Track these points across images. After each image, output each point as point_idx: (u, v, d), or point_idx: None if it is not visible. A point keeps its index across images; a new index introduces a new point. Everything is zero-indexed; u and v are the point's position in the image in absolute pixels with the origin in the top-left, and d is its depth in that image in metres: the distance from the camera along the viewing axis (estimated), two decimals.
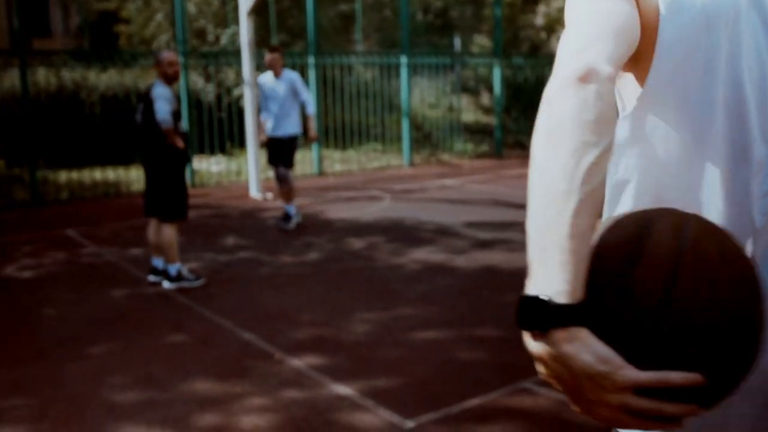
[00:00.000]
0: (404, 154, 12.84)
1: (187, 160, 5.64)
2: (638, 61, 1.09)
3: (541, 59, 15.87)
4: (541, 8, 16.93)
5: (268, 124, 7.47)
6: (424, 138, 13.89)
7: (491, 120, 15.42)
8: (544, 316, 0.90)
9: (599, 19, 1.02)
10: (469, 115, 16.39)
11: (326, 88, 12.29)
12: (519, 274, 5.61)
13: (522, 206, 8.43)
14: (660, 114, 1.10)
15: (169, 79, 5.41)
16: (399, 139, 13.20)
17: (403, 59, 12.46)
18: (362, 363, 3.98)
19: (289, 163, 7.49)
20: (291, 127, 7.46)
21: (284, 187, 7.50)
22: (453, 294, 5.19)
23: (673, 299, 0.90)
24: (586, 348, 0.88)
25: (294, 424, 3.29)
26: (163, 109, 5.29)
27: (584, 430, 3.21)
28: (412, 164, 12.74)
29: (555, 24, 17.01)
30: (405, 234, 7.19)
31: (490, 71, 14.15)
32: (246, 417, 3.38)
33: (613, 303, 0.92)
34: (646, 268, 0.92)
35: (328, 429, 3.25)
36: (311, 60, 11.53)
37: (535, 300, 0.90)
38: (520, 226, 7.35)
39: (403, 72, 12.54)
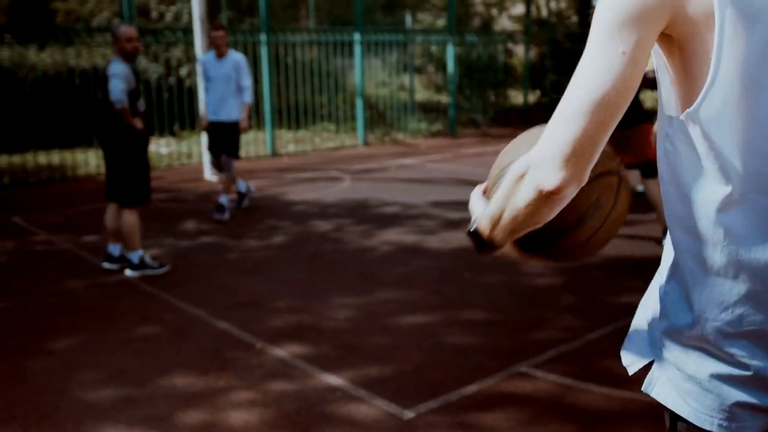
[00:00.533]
0: (359, 134, 12.62)
1: (147, 141, 5.35)
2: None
3: (494, 36, 15.80)
4: None
5: (209, 107, 6.98)
6: (378, 117, 13.69)
7: (444, 98, 15.31)
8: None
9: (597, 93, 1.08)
10: (422, 93, 16.25)
11: (278, 67, 11.96)
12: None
13: (477, 184, 8.34)
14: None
15: (128, 56, 5.09)
16: (352, 118, 12.97)
17: (357, 37, 12.22)
18: (350, 351, 3.81)
19: (233, 151, 6.99)
20: (234, 111, 6.93)
21: (227, 176, 7.00)
22: (434, 276, 5.05)
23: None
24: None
25: (288, 419, 3.11)
26: (117, 87, 4.98)
27: (585, 413, 3.11)
28: (366, 144, 12.54)
29: (505, 1, 16.95)
30: (372, 215, 7.01)
31: (443, 49, 14.00)
32: (235, 413, 3.17)
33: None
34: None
35: (324, 423, 3.07)
36: (263, 38, 11.19)
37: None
38: None
39: (357, 50, 12.30)
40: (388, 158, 10.90)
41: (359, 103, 12.44)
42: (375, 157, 11.10)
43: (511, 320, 4.16)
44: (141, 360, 3.77)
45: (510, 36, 16.03)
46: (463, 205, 7.34)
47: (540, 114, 15.71)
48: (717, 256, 1.13)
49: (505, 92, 15.95)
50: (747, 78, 1.05)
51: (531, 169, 1.12)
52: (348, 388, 3.37)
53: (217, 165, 7.14)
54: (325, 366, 3.60)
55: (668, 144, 1.15)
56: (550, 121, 1.13)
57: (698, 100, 1.07)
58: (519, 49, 16.25)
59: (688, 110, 1.08)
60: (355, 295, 4.68)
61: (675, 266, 1.22)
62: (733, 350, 1.14)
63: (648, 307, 1.33)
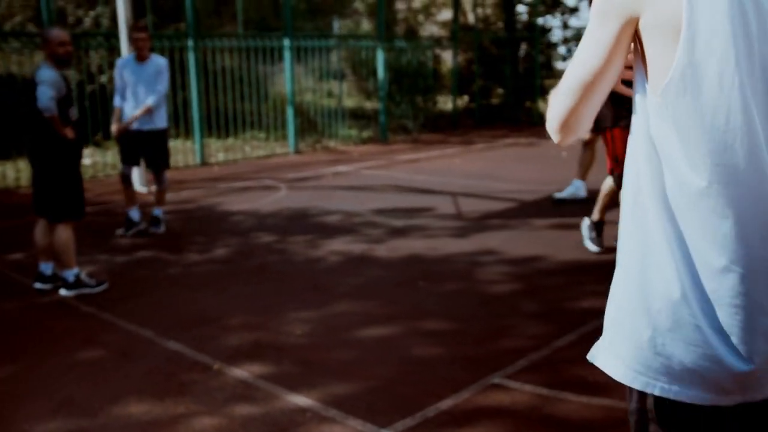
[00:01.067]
0: (289, 142, 12.40)
1: (80, 152, 5.04)
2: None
3: (423, 42, 15.83)
4: None
5: (128, 115, 6.42)
6: (309, 124, 13.49)
7: (374, 105, 15.24)
8: None
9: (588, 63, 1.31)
10: (351, 100, 16.13)
11: (207, 74, 11.64)
12: (447, 261, 5.43)
13: (424, 191, 8.28)
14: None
15: (60, 61, 4.79)
16: (283, 126, 12.74)
17: (286, 42, 12.00)
18: (313, 368, 3.64)
19: (163, 162, 6.59)
20: (159, 119, 6.47)
21: (159, 187, 6.60)
22: (388, 286, 4.92)
23: None
24: None
25: None
26: (45, 94, 4.67)
27: (567, 423, 3.04)
28: (298, 152, 12.33)
29: (431, 6, 17.02)
30: (314, 224, 6.84)
31: (372, 55, 13.92)
32: None
33: None
34: None
35: None
36: (190, 43, 10.85)
37: None
38: (430, 212, 7.17)
39: (287, 55, 12.09)
40: (322, 166, 10.73)
41: (290, 111, 12.22)
42: (308, 165, 10.91)
43: (474, 329, 4.07)
44: (88, 387, 3.50)
45: (438, 42, 16.09)
46: (406, 212, 7.23)
47: (469, 119, 15.83)
48: (689, 231, 1.22)
49: (435, 98, 16.00)
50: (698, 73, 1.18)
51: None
52: (318, 409, 3.20)
53: (127, 177, 6.58)
54: (291, 385, 3.43)
55: (643, 125, 1.28)
56: (553, 91, 1.39)
57: (662, 89, 1.21)
58: (447, 55, 16.34)
59: (655, 96, 1.23)
60: (309, 309, 4.50)
61: (640, 242, 1.27)
62: (693, 321, 1.21)
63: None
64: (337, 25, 16.24)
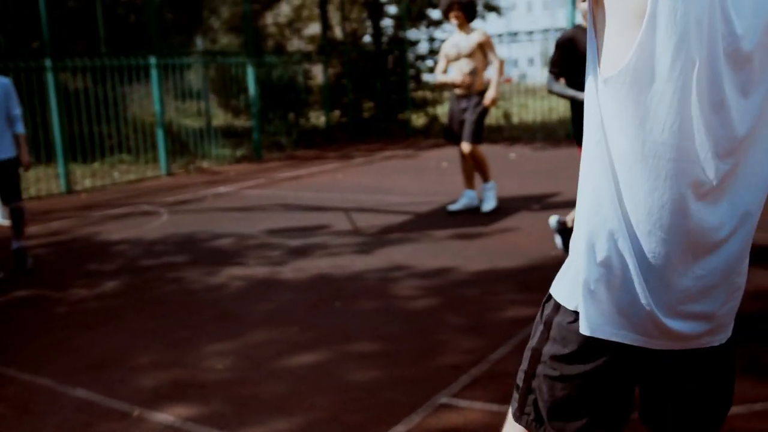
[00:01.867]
0: (161, 164, 11.85)
1: None
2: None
3: (293, 57, 15.63)
4: (283, 6, 16.66)
5: None
6: (180, 145, 12.96)
7: (244, 122, 14.87)
8: None
9: None
10: (221, 118, 15.67)
11: (68, 95, 10.91)
12: (357, 279, 5.28)
13: (314, 208, 8.10)
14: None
15: None
16: (153, 147, 12.16)
17: (152, 60, 11.47)
18: (247, 404, 3.37)
19: (15, 194, 5.98)
20: (5, 148, 5.81)
21: (19, 221, 6.03)
22: (303, 309, 4.69)
23: None
24: None
25: None
26: None
27: None
28: (170, 174, 11.81)
29: (296, 22, 16.85)
30: (207, 249, 6.49)
31: (242, 71, 13.57)
32: None
33: None
34: None
35: None
36: (48, 63, 10.13)
37: None
38: (326, 229, 7.00)
39: (153, 74, 11.55)
40: (199, 188, 10.30)
41: (159, 132, 11.68)
42: (184, 187, 10.45)
43: (405, 349, 3.94)
44: None
45: (307, 57, 15.95)
46: (301, 231, 7.01)
47: (343, 134, 15.77)
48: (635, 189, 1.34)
49: (307, 113, 15.83)
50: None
51: None
52: None
53: None
54: (225, 426, 3.15)
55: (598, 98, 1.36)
56: None
57: (618, 71, 1.29)
58: (317, 70, 16.22)
59: (605, 76, 1.32)
60: (224, 340, 4.22)
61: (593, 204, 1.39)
62: (625, 271, 1.36)
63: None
64: (201, 43, 15.75)
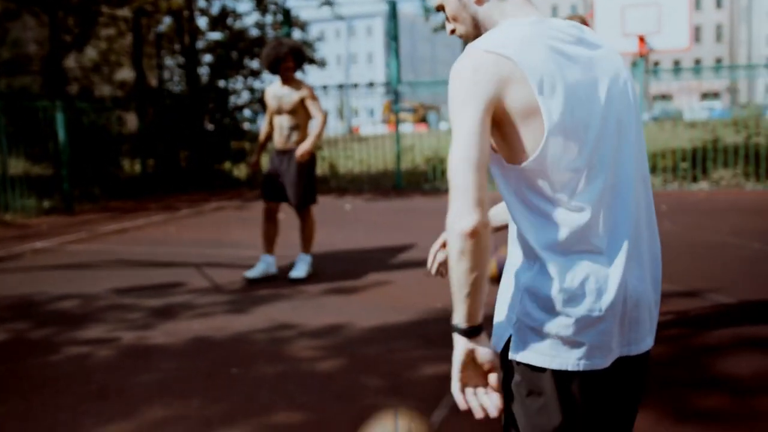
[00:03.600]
0: None
1: None
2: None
3: (105, 103, 14.62)
4: (89, 50, 15.61)
5: None
6: None
7: (44, 170, 13.60)
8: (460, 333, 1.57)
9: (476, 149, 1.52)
10: (18, 166, 14.20)
11: None
12: (245, 342, 4.86)
13: (158, 264, 7.48)
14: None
15: None
16: None
17: None
18: None
19: None
20: None
21: None
22: (196, 380, 4.20)
23: None
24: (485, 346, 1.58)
25: None
26: None
27: None
28: None
29: (103, 65, 15.84)
30: (49, 313, 5.71)
31: (47, 115, 12.43)
32: None
33: None
34: None
35: None
36: None
37: (454, 327, 1.57)
38: (182, 287, 6.46)
39: None
40: (10, 243, 9.18)
41: None
42: None
43: (332, 418, 3.62)
44: None
45: (121, 102, 15.00)
46: (154, 289, 6.43)
47: (159, 184, 14.91)
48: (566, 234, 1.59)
49: (120, 162, 14.84)
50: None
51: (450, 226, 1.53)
52: None
53: None
54: None
55: (511, 183, 1.62)
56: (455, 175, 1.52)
57: (535, 154, 1.55)
58: (129, 117, 15.30)
59: (527, 162, 1.56)
60: (118, 421, 3.64)
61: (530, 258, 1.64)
62: (581, 311, 1.58)
63: (503, 306, 1.70)
64: None
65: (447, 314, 5.33)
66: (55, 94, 12.38)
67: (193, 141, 15.33)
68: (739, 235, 7.90)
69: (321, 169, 15.41)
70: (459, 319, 1.55)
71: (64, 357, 4.66)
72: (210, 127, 15.93)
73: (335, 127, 45.17)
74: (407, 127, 30.31)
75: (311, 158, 6.58)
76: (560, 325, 1.57)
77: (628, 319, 1.63)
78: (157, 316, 5.53)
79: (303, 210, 6.58)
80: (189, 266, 7.35)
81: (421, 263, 6.96)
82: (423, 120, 47.40)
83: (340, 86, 15.32)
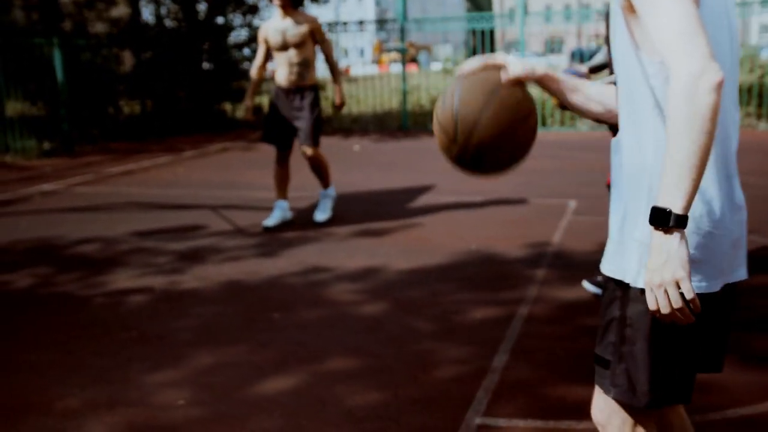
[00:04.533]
0: None
1: None
2: None
3: (102, 41, 14.19)
4: None
5: None
6: None
7: (40, 111, 13.24)
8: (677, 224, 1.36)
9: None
10: (15, 106, 13.84)
11: None
12: (281, 286, 4.74)
13: (175, 207, 7.31)
14: None
15: None
16: None
17: None
18: None
19: None
20: None
21: None
22: (237, 325, 4.07)
23: None
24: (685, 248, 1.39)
25: None
26: None
27: None
28: None
29: (98, 1, 15.29)
30: (71, 257, 5.55)
31: (44, 53, 12.04)
32: None
33: None
34: None
35: None
36: None
37: (664, 210, 1.36)
38: (205, 230, 6.31)
39: None
40: (15, 185, 8.96)
41: None
42: None
43: (389, 364, 3.51)
44: None
45: (118, 40, 14.56)
46: (177, 232, 6.26)
47: (155, 124, 14.55)
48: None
49: (118, 101, 14.48)
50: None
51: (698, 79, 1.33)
52: None
53: None
54: None
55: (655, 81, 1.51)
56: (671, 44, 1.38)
57: None
58: (126, 56, 14.88)
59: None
60: (165, 368, 3.53)
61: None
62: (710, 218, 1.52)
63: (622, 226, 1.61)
64: None
65: (484, 257, 5.23)
66: (52, 30, 11.96)
67: (192, 80, 14.94)
68: (760, 175, 7.78)
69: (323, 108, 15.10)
70: (678, 202, 1.35)
71: (96, 303, 4.52)
72: (208, 66, 15.52)
73: (325, 68, 44.17)
74: (396, 68, 29.66)
75: (318, 95, 6.30)
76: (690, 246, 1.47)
77: (737, 245, 1.60)
78: (184, 260, 5.38)
79: (313, 151, 6.26)
80: (204, 208, 7.18)
81: (445, 206, 6.83)
82: (413, 60, 46.60)
83: (330, 24, 14.74)
